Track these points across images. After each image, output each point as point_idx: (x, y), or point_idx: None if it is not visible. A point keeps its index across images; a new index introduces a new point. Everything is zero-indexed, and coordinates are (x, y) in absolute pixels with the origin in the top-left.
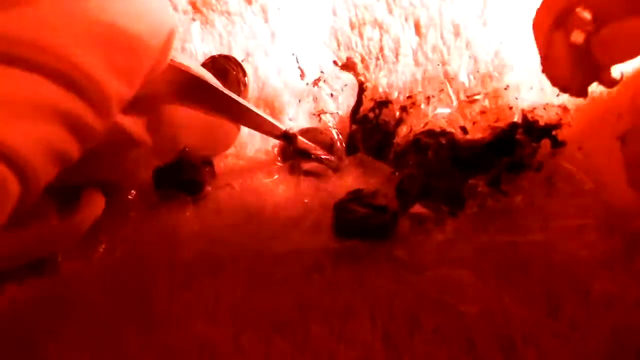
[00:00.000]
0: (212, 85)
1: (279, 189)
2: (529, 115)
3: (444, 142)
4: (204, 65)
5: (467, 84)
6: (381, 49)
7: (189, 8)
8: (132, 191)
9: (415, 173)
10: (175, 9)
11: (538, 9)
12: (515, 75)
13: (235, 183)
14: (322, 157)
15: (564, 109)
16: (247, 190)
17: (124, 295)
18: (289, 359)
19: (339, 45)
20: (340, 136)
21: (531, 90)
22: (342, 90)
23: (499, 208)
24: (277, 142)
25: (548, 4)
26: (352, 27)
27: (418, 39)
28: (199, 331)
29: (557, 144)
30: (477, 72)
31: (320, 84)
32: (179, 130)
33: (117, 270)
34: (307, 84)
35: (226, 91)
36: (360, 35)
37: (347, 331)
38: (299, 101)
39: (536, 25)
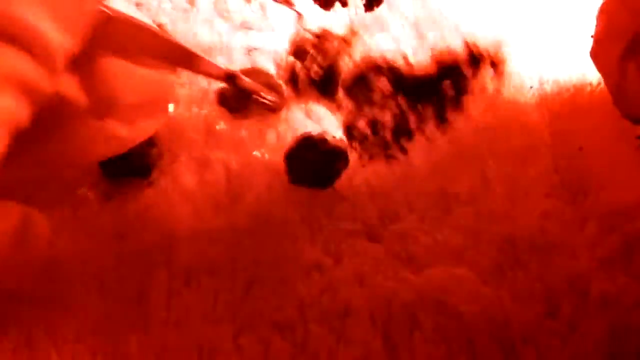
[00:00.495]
0: (151, 29)
1: (226, 147)
2: (472, 46)
3: (387, 74)
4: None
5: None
6: None
7: (189, 7)
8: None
9: (360, 110)
10: (175, 8)
11: (598, 38)
12: None
13: (182, 154)
14: (264, 97)
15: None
16: (196, 159)
17: (123, 295)
18: (289, 359)
19: None
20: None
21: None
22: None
23: (446, 140)
24: (211, 92)
25: (613, 32)
26: None
27: None
28: (198, 331)
29: (500, 73)
30: None
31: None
32: (116, 87)
33: (117, 270)
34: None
35: (166, 35)
36: None
37: (346, 331)
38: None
39: (600, 55)
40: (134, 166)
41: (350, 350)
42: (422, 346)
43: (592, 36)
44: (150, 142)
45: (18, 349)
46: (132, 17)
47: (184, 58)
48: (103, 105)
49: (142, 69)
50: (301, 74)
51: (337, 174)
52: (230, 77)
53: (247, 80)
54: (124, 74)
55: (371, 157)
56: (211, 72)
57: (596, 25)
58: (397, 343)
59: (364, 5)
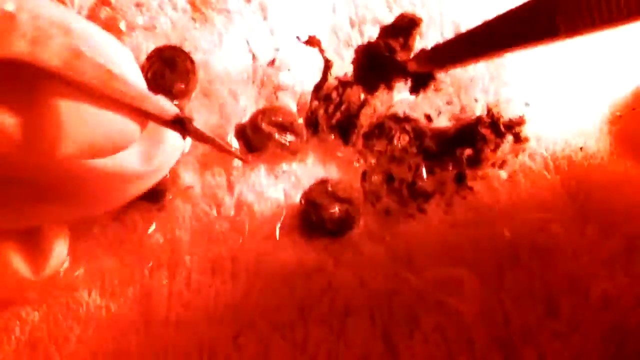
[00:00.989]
0: (95, 62)
1: (239, 185)
2: (494, 110)
3: (408, 128)
4: (149, 58)
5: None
6: None
7: (188, 7)
8: None
9: (378, 163)
10: (174, 8)
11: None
12: (480, 67)
13: (196, 184)
14: (282, 138)
15: (526, 104)
16: (209, 188)
17: (124, 296)
18: (289, 359)
19: (338, 43)
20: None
21: (493, 82)
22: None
23: (465, 205)
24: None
25: None
26: (352, 25)
27: (418, 38)
28: (198, 331)
29: (520, 140)
30: None
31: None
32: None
33: (117, 271)
34: (261, 66)
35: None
36: (361, 33)
37: (346, 331)
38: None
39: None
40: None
41: (350, 350)
42: (422, 346)
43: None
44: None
45: (19, 349)
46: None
47: (132, 98)
48: (45, 149)
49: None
50: (322, 119)
51: (350, 225)
52: (178, 121)
53: (197, 128)
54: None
55: (387, 213)
56: (157, 115)
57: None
58: (397, 343)
59: (410, 88)
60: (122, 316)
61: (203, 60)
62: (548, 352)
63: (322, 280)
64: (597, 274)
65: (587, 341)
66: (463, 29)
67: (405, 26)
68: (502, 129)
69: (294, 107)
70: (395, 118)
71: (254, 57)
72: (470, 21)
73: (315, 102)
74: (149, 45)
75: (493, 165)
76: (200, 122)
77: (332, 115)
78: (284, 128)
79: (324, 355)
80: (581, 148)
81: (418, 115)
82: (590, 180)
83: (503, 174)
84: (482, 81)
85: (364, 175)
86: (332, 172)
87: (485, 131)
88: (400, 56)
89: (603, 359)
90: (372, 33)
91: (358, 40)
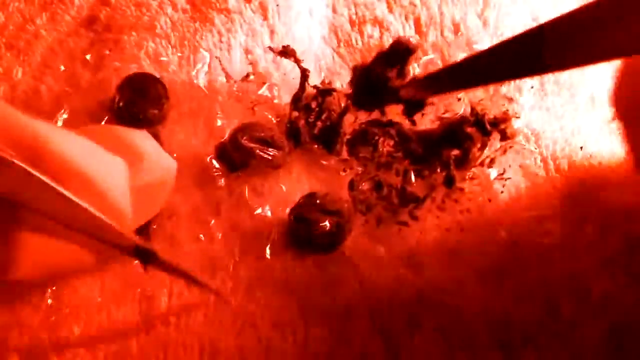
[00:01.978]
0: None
1: (227, 202)
2: (478, 108)
3: (392, 132)
4: (118, 88)
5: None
6: (381, 47)
7: (188, 7)
8: None
9: (365, 170)
10: (174, 8)
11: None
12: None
13: (181, 208)
14: (264, 153)
15: (510, 99)
16: (195, 213)
17: (124, 296)
18: (289, 359)
19: (338, 43)
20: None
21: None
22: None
23: (459, 207)
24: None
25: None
26: (352, 25)
27: (418, 37)
28: (199, 331)
29: (506, 137)
30: None
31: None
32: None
33: (118, 271)
34: (235, 82)
35: (46, 180)
36: (361, 33)
37: (346, 331)
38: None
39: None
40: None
41: (350, 350)
42: (422, 346)
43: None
44: None
45: (19, 349)
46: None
47: (87, 223)
48: None
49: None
50: (304, 129)
51: (342, 239)
52: (141, 253)
53: (164, 260)
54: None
55: (379, 222)
56: (113, 242)
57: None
58: (398, 343)
59: (403, 112)
60: (123, 317)
61: (175, 82)
62: (548, 352)
63: (321, 279)
64: (597, 274)
65: (587, 341)
66: (463, 29)
67: (401, 53)
68: (488, 126)
69: (273, 121)
70: (378, 123)
71: (227, 75)
72: (470, 21)
73: (295, 113)
74: (149, 46)
75: (482, 164)
76: (178, 146)
77: (313, 125)
78: (265, 143)
79: (324, 355)
80: (581, 148)
81: (400, 119)
82: (590, 180)
83: (493, 172)
84: None
85: (352, 184)
86: (318, 184)
87: (470, 130)
88: (395, 83)
89: (603, 358)
90: (372, 33)
91: (358, 40)
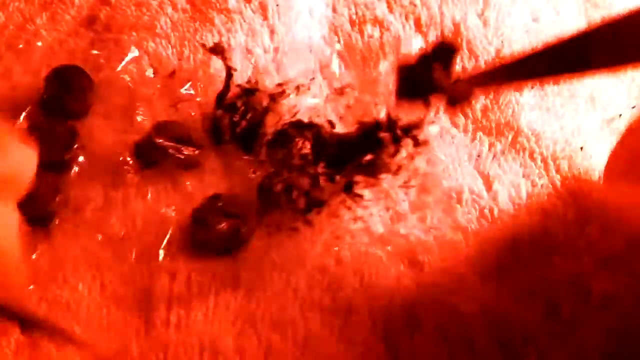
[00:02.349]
0: None
1: (134, 200)
2: (392, 114)
3: (309, 135)
4: (45, 79)
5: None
6: (382, 47)
7: (188, 7)
8: None
9: (277, 172)
10: (174, 8)
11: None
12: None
13: (88, 204)
14: (177, 153)
15: (427, 105)
16: (99, 209)
17: (124, 297)
18: (289, 359)
19: (339, 42)
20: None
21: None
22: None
23: (358, 216)
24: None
25: None
26: (353, 24)
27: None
28: (199, 331)
29: (418, 144)
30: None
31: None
32: None
33: (119, 273)
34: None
35: None
36: (361, 33)
37: (347, 331)
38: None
39: None
40: (34, 215)
41: (350, 350)
42: (422, 346)
43: None
44: (56, 189)
45: (19, 350)
46: None
47: None
48: None
49: None
50: (226, 128)
51: (240, 243)
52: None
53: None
54: None
55: (278, 228)
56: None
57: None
58: (398, 343)
59: (447, 103)
60: (122, 317)
61: (103, 76)
62: (548, 352)
63: (323, 280)
64: (597, 274)
65: (587, 341)
66: (463, 29)
67: (446, 53)
68: (399, 132)
69: (196, 119)
70: (298, 125)
71: (155, 70)
72: (470, 21)
73: (219, 112)
74: (149, 45)
75: (388, 171)
76: (96, 140)
77: (237, 124)
78: (180, 142)
79: (325, 356)
80: (581, 148)
81: (320, 121)
82: (591, 180)
83: (399, 180)
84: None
85: (260, 187)
86: (229, 185)
87: (383, 135)
88: (441, 82)
89: (603, 358)
90: (372, 33)
91: (359, 40)
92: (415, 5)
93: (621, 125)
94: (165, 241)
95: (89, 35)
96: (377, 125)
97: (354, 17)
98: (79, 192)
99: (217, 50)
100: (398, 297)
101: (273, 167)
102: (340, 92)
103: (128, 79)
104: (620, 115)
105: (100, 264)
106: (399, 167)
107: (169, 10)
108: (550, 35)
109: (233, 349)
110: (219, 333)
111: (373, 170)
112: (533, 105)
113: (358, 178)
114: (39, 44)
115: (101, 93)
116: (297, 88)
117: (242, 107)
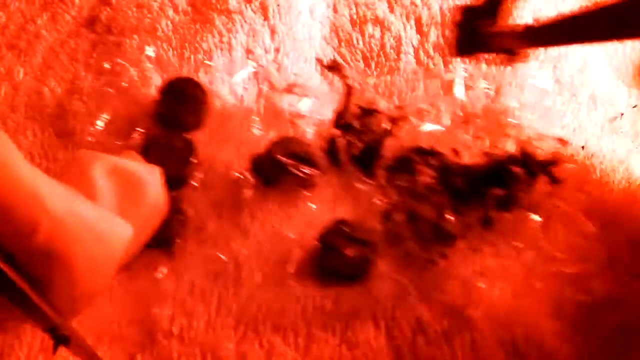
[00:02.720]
0: None
1: (254, 222)
2: (527, 147)
3: (433, 163)
4: (162, 92)
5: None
6: (382, 47)
7: (189, 9)
8: None
9: (401, 202)
10: (176, 10)
11: None
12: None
13: (210, 224)
14: (298, 170)
15: (562, 141)
16: (219, 229)
17: (127, 301)
18: None
19: (339, 42)
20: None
21: (533, 114)
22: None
23: (492, 253)
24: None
25: None
26: (353, 24)
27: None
28: (201, 337)
29: (555, 181)
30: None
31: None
32: None
33: (121, 276)
34: (277, 93)
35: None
36: (362, 33)
37: (350, 334)
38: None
39: None
40: (159, 237)
41: (353, 353)
42: (425, 347)
43: None
44: (177, 209)
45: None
46: None
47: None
48: None
49: None
50: (343, 149)
51: (367, 271)
52: (57, 335)
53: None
54: None
55: (408, 257)
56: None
57: None
58: (400, 344)
59: (504, 57)
60: (128, 325)
61: (214, 89)
62: (549, 352)
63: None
64: (600, 274)
65: (590, 341)
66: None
67: (495, 5)
68: (535, 168)
69: (310, 136)
70: (420, 151)
71: (270, 84)
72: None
73: (337, 131)
74: (150, 48)
75: (525, 208)
76: (211, 155)
77: (353, 145)
78: (300, 159)
79: (327, 358)
80: (582, 147)
81: (444, 149)
82: (591, 180)
83: (537, 218)
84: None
85: (386, 215)
86: (350, 209)
87: (517, 170)
88: (491, 30)
89: (605, 358)
90: (373, 32)
91: (359, 40)
92: (416, 5)
93: (623, 124)
94: (290, 263)
95: (90, 37)
96: (509, 159)
97: (354, 17)
98: (199, 209)
99: (335, 67)
100: (401, 299)
101: (396, 194)
102: (465, 120)
103: (241, 92)
104: (622, 114)
105: (225, 282)
106: (537, 205)
107: (170, 12)
108: None
109: (236, 354)
110: (222, 339)
111: (506, 207)
112: (534, 105)
113: (492, 213)
114: (40, 44)
115: (215, 106)
116: (419, 112)
117: (360, 128)
